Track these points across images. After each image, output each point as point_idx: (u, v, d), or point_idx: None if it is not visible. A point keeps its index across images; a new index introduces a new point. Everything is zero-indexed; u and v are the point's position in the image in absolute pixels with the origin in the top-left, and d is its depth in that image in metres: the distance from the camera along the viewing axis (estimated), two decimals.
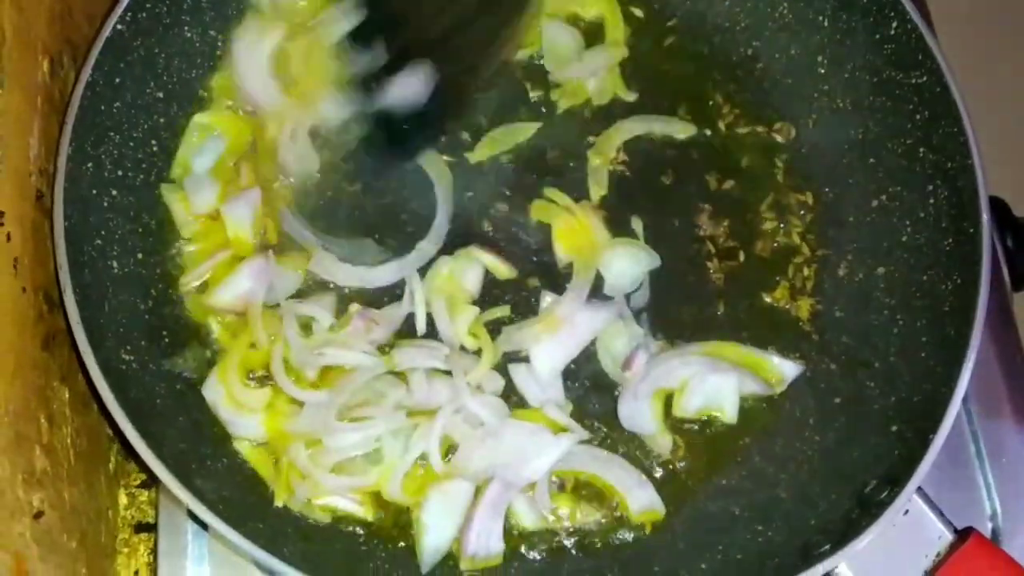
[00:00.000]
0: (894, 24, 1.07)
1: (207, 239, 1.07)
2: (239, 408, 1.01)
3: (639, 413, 1.05)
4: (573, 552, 1.01)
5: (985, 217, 1.00)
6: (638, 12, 1.21)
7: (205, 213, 1.07)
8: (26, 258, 0.90)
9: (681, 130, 1.17)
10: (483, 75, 1.11)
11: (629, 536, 1.02)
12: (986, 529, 1.10)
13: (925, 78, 1.06)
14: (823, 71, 1.15)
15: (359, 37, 1.06)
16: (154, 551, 1.04)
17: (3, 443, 0.83)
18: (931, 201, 1.06)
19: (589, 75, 1.17)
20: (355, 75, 1.06)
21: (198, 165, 1.09)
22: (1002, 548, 1.00)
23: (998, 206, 1.27)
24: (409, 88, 1.02)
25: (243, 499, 0.97)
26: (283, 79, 1.12)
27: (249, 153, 1.11)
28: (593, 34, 1.21)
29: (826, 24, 1.14)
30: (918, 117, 1.07)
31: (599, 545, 1.01)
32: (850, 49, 1.12)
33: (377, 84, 1.03)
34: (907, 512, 0.94)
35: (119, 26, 1.01)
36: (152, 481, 1.08)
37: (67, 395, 0.97)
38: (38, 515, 0.88)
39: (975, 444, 1.14)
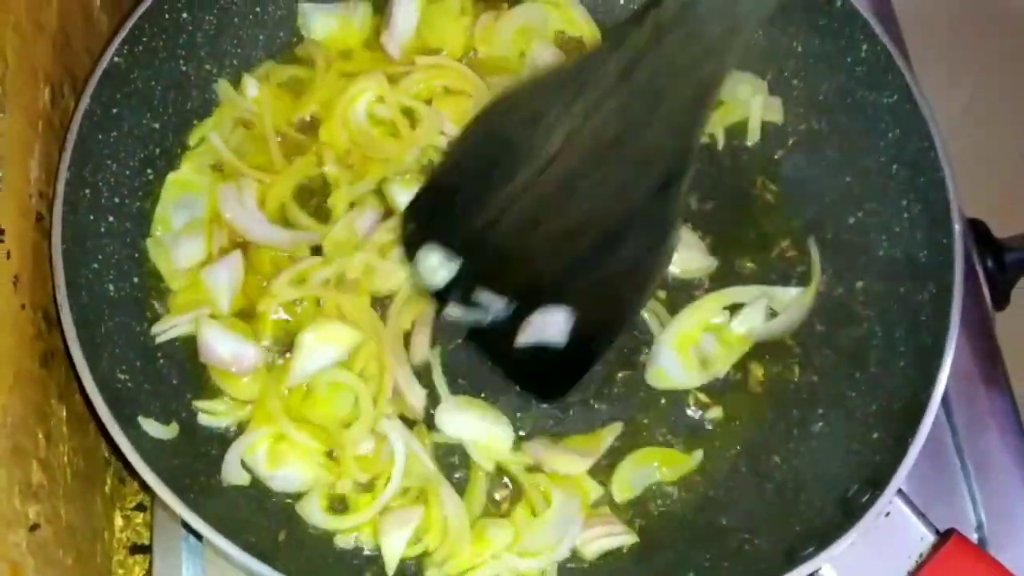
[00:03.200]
0: (864, 47, 1.11)
1: (190, 293, 1.08)
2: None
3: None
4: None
5: (957, 228, 1.03)
6: None
7: (187, 269, 1.08)
8: (25, 276, 0.93)
9: None
10: (636, 304, 1.01)
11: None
12: (972, 538, 1.11)
13: (895, 97, 1.09)
14: (797, 94, 1.19)
15: (455, 293, 0.98)
16: (149, 573, 1.06)
17: (1, 453, 0.84)
18: (905, 215, 1.09)
19: None
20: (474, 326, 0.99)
21: (177, 222, 1.10)
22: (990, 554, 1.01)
23: (978, 228, 1.30)
24: (555, 326, 0.94)
25: (238, 513, 0.98)
26: None
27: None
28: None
29: (799, 49, 1.17)
30: (890, 135, 1.10)
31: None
32: (823, 72, 1.16)
33: (502, 338, 0.96)
34: (888, 514, 0.95)
35: (116, 58, 1.04)
36: (147, 493, 1.10)
37: (64, 414, 0.99)
38: (34, 527, 0.89)
39: (960, 457, 1.16)
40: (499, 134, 0.96)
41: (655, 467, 1.06)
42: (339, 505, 1.02)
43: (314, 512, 1.01)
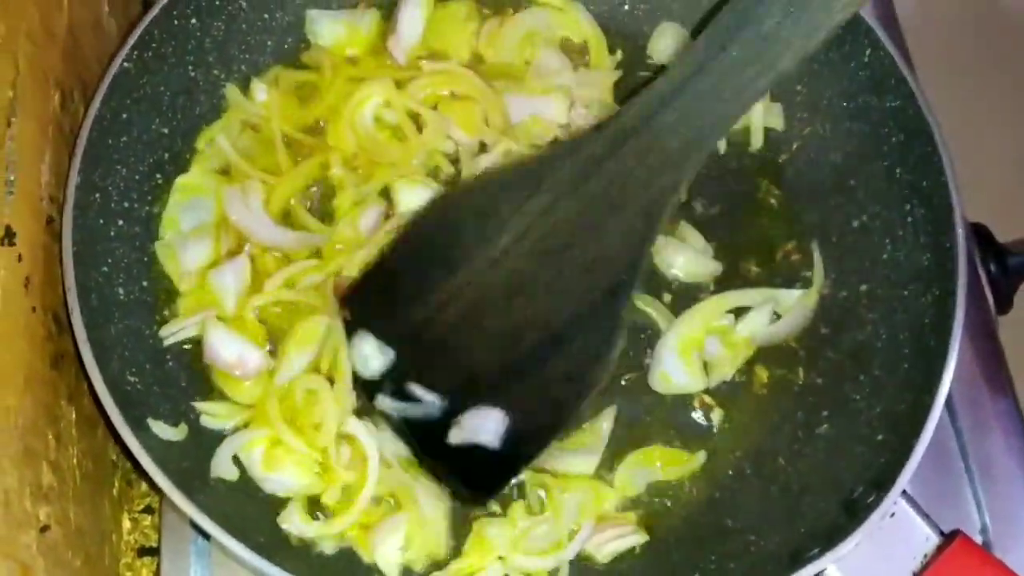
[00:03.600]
0: (867, 52, 1.12)
1: (197, 295, 1.09)
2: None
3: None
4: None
5: (960, 231, 1.04)
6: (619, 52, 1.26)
7: (195, 271, 1.09)
8: (36, 278, 0.94)
9: None
10: (573, 411, 0.95)
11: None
12: (976, 542, 1.11)
13: (899, 102, 1.10)
14: (800, 99, 1.19)
15: (387, 385, 0.95)
16: (157, 575, 1.06)
17: (12, 454, 0.85)
18: (909, 219, 1.09)
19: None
20: (402, 423, 0.95)
21: (185, 224, 1.11)
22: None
23: (981, 232, 1.31)
24: (478, 432, 0.91)
25: (247, 514, 0.99)
26: None
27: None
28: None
29: None
30: (894, 140, 1.11)
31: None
32: (827, 77, 1.16)
33: (434, 432, 0.93)
34: (894, 515, 0.95)
35: (126, 64, 1.05)
36: (157, 495, 1.10)
37: (74, 416, 1.00)
38: (44, 529, 0.90)
39: (964, 460, 1.17)
40: (449, 225, 0.95)
41: (658, 467, 1.07)
42: (319, 514, 1.02)
43: (296, 522, 1.00)
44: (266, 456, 1.01)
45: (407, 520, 1.00)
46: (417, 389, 0.93)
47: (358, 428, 1.02)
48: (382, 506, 1.02)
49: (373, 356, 0.97)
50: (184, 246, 1.09)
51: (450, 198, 0.98)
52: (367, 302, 0.98)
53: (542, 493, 1.04)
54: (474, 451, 0.93)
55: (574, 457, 1.04)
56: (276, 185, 1.13)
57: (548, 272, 0.91)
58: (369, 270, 1.01)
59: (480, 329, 0.93)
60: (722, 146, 1.21)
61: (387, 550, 0.99)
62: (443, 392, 0.93)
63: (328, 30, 1.21)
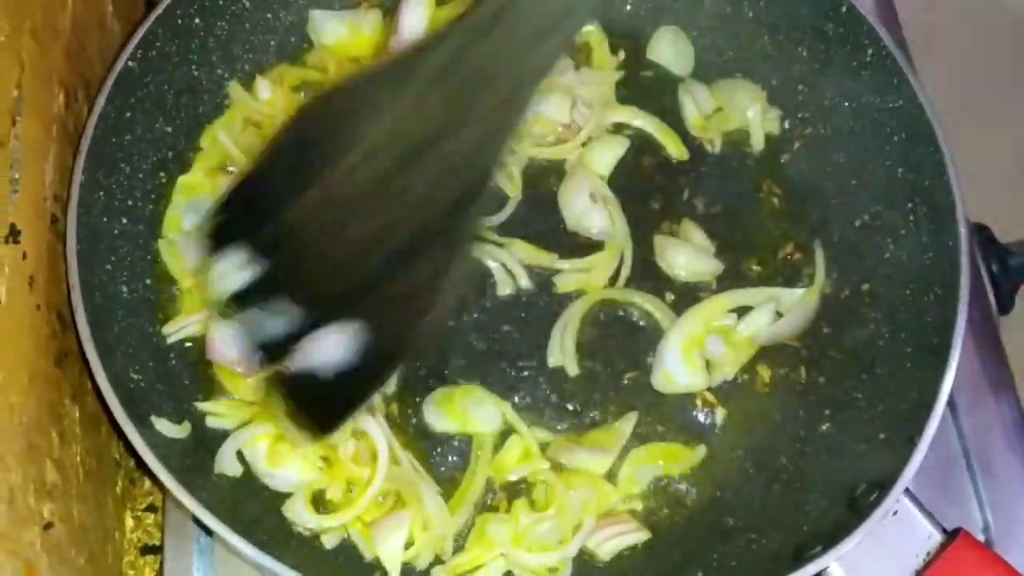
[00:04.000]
0: (869, 52, 1.12)
1: (201, 292, 1.09)
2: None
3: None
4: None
5: (963, 230, 1.04)
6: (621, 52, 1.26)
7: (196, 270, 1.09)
8: (40, 277, 0.94)
9: (675, 153, 1.21)
10: (424, 321, 0.91)
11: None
12: (979, 539, 1.11)
13: (900, 102, 1.10)
14: (802, 99, 1.20)
15: (253, 298, 0.90)
16: (160, 573, 1.06)
17: (16, 452, 0.85)
18: (911, 218, 1.09)
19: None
20: (257, 340, 0.90)
21: (187, 223, 1.11)
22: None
23: (983, 233, 1.31)
24: (330, 349, 0.87)
25: (251, 511, 0.99)
26: None
27: None
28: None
29: (805, 54, 1.19)
30: (896, 139, 1.11)
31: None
32: (829, 77, 1.17)
33: (288, 347, 0.88)
34: (896, 513, 0.95)
35: (130, 63, 1.06)
36: (160, 492, 1.10)
37: (77, 414, 1.00)
38: (48, 526, 0.90)
39: (966, 459, 1.17)
40: (315, 130, 0.91)
41: (660, 464, 1.07)
42: (323, 507, 1.03)
43: (300, 512, 1.01)
44: (270, 452, 1.01)
45: (410, 518, 1.00)
46: (281, 303, 0.89)
47: (369, 424, 1.02)
48: (386, 502, 1.03)
49: (242, 267, 0.90)
50: (187, 244, 1.09)
51: (316, 103, 0.93)
52: (238, 212, 0.93)
53: (545, 489, 1.04)
54: (316, 378, 0.89)
55: (589, 455, 1.04)
56: None
57: (405, 176, 0.88)
58: (238, 181, 0.95)
59: (341, 238, 0.89)
60: (717, 147, 1.22)
61: (390, 546, 0.99)
62: (304, 306, 0.89)
63: (331, 30, 1.21)
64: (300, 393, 0.90)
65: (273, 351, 0.89)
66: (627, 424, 1.07)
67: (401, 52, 0.96)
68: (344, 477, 1.02)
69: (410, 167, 0.87)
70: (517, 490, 1.05)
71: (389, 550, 0.99)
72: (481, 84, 0.86)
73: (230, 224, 0.92)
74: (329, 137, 0.89)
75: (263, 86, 1.17)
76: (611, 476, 1.06)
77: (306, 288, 0.89)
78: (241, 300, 0.90)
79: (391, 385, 1.08)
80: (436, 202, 0.88)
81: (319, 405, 0.91)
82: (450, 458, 1.06)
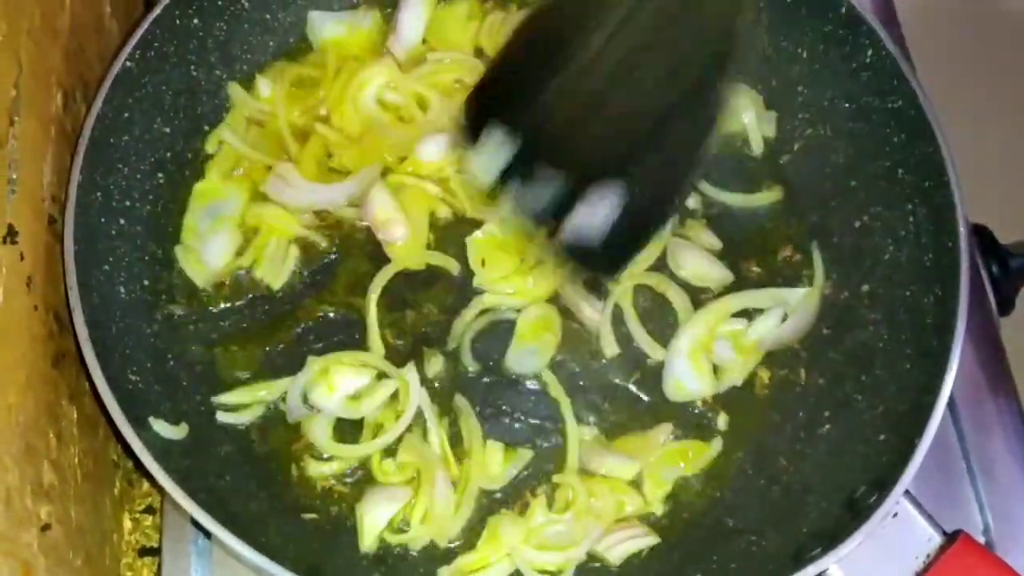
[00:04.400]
0: (869, 52, 1.11)
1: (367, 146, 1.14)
2: None
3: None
4: None
5: (963, 231, 1.04)
6: None
7: (221, 267, 1.11)
8: (38, 278, 0.94)
9: None
10: (684, 185, 0.98)
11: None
12: (979, 541, 1.11)
13: (900, 102, 1.10)
14: (802, 99, 1.19)
15: (519, 171, 0.93)
16: (158, 575, 1.06)
17: (14, 452, 0.85)
18: (911, 219, 1.09)
19: None
20: (527, 212, 0.93)
21: (204, 228, 1.13)
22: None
23: (983, 234, 1.31)
24: (595, 217, 0.90)
25: (249, 512, 0.99)
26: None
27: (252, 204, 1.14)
28: None
29: (804, 55, 1.18)
30: (895, 140, 1.11)
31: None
32: (828, 78, 1.16)
33: (555, 217, 0.91)
34: (896, 515, 0.95)
35: (128, 63, 1.06)
36: (158, 494, 1.10)
37: (75, 415, 1.00)
38: (45, 527, 0.90)
39: (966, 461, 1.16)
40: (552, 24, 0.94)
41: (681, 467, 1.07)
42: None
43: (321, 435, 1.04)
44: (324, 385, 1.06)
45: (409, 498, 1.01)
46: (544, 171, 0.91)
47: (412, 376, 1.06)
48: (403, 473, 1.04)
49: (503, 144, 0.93)
50: (205, 245, 1.11)
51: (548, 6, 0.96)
52: (490, 98, 0.96)
53: (569, 494, 1.04)
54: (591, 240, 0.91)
55: (619, 461, 1.05)
56: (299, 154, 1.15)
57: (655, 53, 0.90)
58: (484, 76, 0.99)
59: (598, 111, 0.91)
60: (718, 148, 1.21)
61: (376, 515, 1.00)
62: (567, 171, 0.91)
63: (330, 31, 1.21)
64: (578, 253, 0.93)
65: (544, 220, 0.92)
66: (662, 435, 1.08)
67: None
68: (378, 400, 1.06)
69: (656, 44, 0.89)
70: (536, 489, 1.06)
71: (371, 519, 1.00)
72: None
73: (483, 112, 0.94)
74: (565, 25, 0.92)
75: (263, 84, 1.17)
76: (635, 482, 1.06)
77: (569, 155, 0.91)
78: (504, 178, 0.93)
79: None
80: (689, 69, 0.90)
81: (597, 259, 0.94)
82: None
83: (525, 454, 1.06)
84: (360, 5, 1.24)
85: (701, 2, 0.90)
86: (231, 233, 1.13)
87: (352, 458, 1.05)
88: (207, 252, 1.11)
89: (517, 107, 0.93)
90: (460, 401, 1.08)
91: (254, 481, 1.03)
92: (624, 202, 0.89)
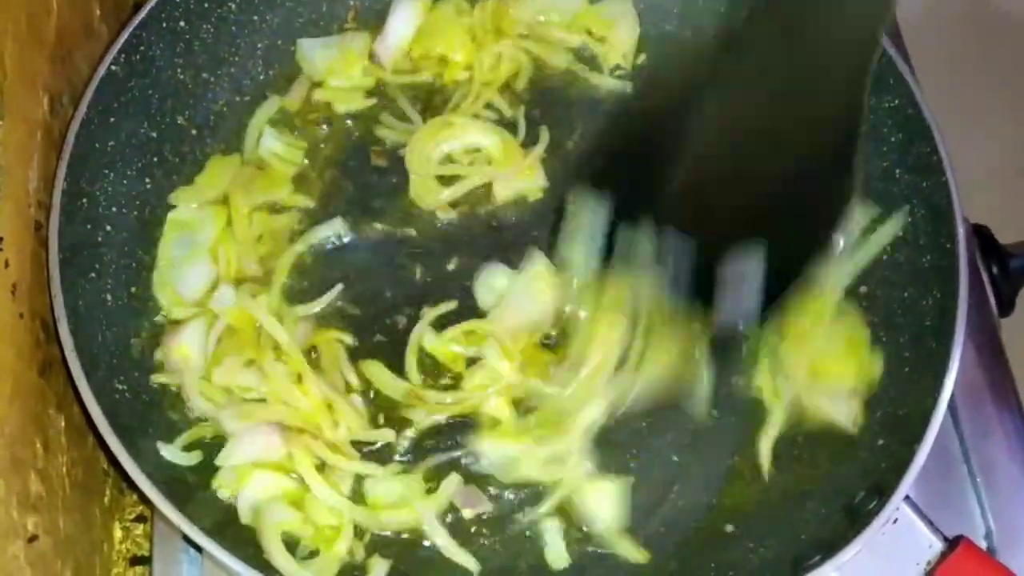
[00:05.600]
0: None
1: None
2: None
3: None
4: None
5: (961, 232, 1.03)
6: None
7: (194, 301, 1.08)
8: (24, 285, 0.93)
9: None
10: (830, 237, 0.94)
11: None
12: (981, 547, 1.10)
13: (897, 102, 1.09)
14: None
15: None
16: None
17: None
18: (909, 220, 1.08)
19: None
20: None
21: (179, 257, 1.10)
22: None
23: (983, 234, 1.30)
24: (741, 296, 0.91)
25: (237, 525, 0.97)
26: None
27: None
28: None
29: None
30: (893, 140, 1.10)
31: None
32: None
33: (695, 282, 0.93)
34: (896, 521, 0.94)
35: (113, 67, 1.05)
36: (147, 507, 1.09)
37: (63, 424, 0.98)
38: (32, 539, 0.88)
39: (967, 465, 1.15)
40: (660, 101, 0.98)
41: None
42: None
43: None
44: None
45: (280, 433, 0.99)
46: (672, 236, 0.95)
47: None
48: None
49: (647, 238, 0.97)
50: (180, 276, 1.08)
51: (655, 75, 1.05)
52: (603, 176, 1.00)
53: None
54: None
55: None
56: None
57: (783, 120, 0.92)
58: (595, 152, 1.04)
59: (729, 183, 0.94)
60: None
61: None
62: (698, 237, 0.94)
63: (321, 57, 1.19)
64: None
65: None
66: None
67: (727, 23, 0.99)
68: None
69: (778, 114, 0.91)
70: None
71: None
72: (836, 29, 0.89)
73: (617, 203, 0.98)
74: (673, 102, 0.96)
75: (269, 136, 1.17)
76: None
77: (707, 226, 0.94)
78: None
79: None
80: (814, 141, 0.91)
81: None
82: None
83: None
84: (347, 23, 1.23)
85: (807, 97, 0.91)
86: (207, 264, 1.09)
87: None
88: (182, 284, 1.08)
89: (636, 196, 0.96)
90: None
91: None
92: (762, 260, 0.91)
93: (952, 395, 0.98)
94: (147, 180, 1.10)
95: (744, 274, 0.92)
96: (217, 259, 1.10)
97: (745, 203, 0.93)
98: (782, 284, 0.94)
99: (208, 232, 1.11)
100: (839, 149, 0.90)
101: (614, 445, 1.05)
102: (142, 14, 1.07)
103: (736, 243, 0.92)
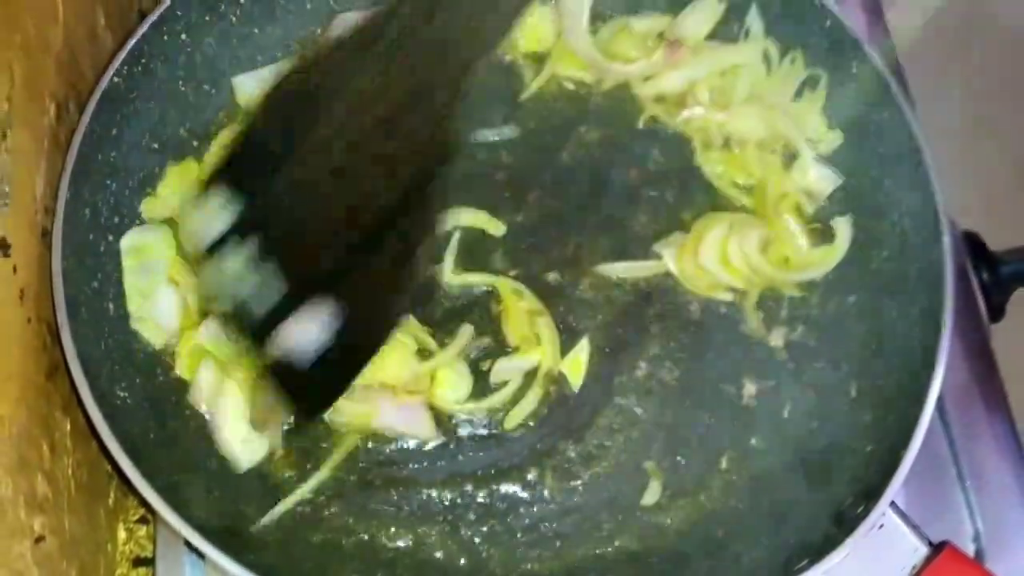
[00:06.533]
0: (854, 64, 1.13)
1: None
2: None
3: None
4: None
5: (947, 242, 1.05)
6: None
7: (174, 330, 1.07)
8: (31, 290, 0.94)
9: None
10: (399, 300, 0.92)
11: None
12: (969, 549, 1.12)
13: (886, 115, 1.11)
14: None
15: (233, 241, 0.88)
16: None
17: (7, 464, 0.86)
18: (896, 230, 1.10)
19: None
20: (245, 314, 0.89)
21: (145, 287, 1.07)
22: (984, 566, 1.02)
23: (973, 241, 1.32)
24: (309, 330, 0.87)
25: (238, 528, 0.99)
26: None
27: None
28: None
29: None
30: (880, 151, 1.12)
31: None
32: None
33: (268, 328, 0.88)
34: (882, 527, 0.96)
35: (116, 79, 1.06)
36: (149, 512, 1.10)
37: (68, 427, 1.00)
38: (39, 539, 0.90)
39: (956, 469, 1.17)
40: (290, 105, 0.91)
41: None
42: None
43: None
44: None
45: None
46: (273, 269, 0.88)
47: None
48: None
49: (224, 207, 0.90)
50: (153, 307, 1.07)
51: (289, 79, 0.94)
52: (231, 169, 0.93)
53: None
54: (297, 362, 0.89)
55: None
56: None
57: (373, 150, 0.88)
58: (231, 146, 0.96)
59: (316, 212, 0.90)
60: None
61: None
62: (289, 278, 0.88)
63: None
64: (284, 376, 0.90)
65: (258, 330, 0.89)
66: None
67: (357, 26, 0.93)
68: None
69: (376, 139, 0.88)
70: None
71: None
72: (435, 58, 0.87)
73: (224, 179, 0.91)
74: (302, 112, 0.89)
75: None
76: None
77: (287, 259, 0.88)
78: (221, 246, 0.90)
79: None
80: (403, 175, 0.88)
81: (301, 390, 0.91)
82: None
83: None
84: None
85: (416, 114, 0.88)
86: (171, 290, 1.07)
87: None
88: (158, 314, 1.06)
89: (255, 177, 0.90)
90: None
91: (247, 499, 1.03)
92: (334, 323, 0.86)
93: (942, 399, 1.00)
94: (149, 190, 1.11)
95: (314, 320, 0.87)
96: (178, 284, 1.07)
97: (331, 243, 0.89)
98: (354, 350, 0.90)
99: (162, 255, 1.08)
100: (426, 191, 0.88)
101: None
102: (144, 28, 1.08)
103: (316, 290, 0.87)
